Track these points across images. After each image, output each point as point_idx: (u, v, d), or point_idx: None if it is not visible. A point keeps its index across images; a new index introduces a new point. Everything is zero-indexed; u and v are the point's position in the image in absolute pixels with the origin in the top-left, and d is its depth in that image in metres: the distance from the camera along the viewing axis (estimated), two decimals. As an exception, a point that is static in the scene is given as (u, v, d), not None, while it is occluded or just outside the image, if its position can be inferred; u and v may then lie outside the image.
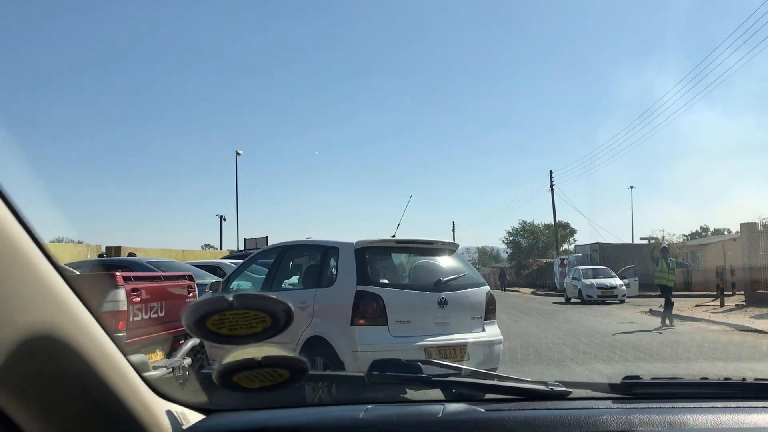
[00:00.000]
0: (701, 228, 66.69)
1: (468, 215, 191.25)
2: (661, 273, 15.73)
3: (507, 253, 70.17)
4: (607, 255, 37.10)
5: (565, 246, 60.93)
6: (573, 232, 65.00)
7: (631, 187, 56.55)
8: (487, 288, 6.72)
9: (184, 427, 1.38)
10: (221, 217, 42.79)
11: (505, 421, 1.41)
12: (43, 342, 0.93)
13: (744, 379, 1.62)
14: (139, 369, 1.24)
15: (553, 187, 45.54)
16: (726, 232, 61.60)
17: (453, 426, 1.44)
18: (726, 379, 1.67)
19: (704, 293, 29.67)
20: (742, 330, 13.19)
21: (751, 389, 1.58)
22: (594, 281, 26.80)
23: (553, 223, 61.61)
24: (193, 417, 1.46)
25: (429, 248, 6.78)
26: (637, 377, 1.63)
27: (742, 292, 21.97)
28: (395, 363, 1.61)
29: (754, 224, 18.76)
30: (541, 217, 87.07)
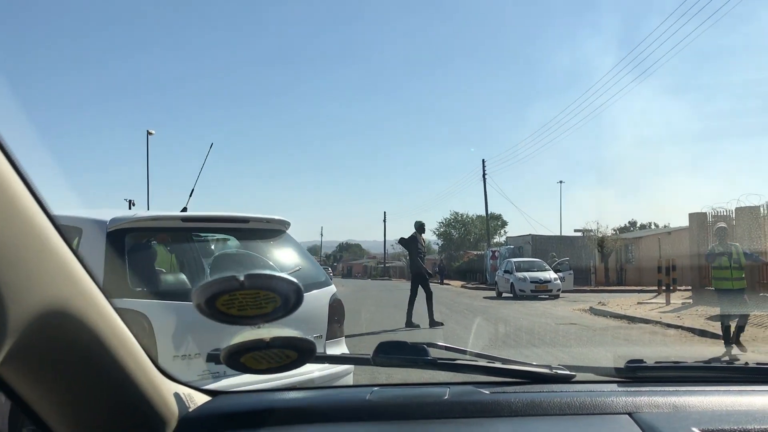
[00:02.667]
0: (629, 222, 66.57)
1: (400, 207, 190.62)
2: (723, 271, 9.51)
3: (438, 245, 68.29)
4: (540, 247, 35.40)
5: (497, 238, 59.48)
6: (505, 224, 63.82)
7: (561, 182, 56.65)
8: (333, 289, 4.50)
9: (191, 409, 1.39)
10: (130, 201, 40.17)
11: (510, 403, 1.42)
12: (56, 318, 0.92)
13: (746, 364, 1.64)
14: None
15: (486, 176, 43.67)
16: (653, 226, 61.72)
17: (459, 407, 1.42)
18: (729, 362, 1.84)
19: (639, 288, 28.31)
20: (703, 335, 11.14)
21: (754, 373, 1.59)
22: (527, 275, 24.79)
23: (485, 214, 60.89)
24: (200, 398, 1.47)
25: (240, 230, 4.32)
26: (641, 361, 1.62)
27: (687, 288, 20.33)
28: (401, 345, 1.58)
29: (703, 214, 16.90)
30: (474, 208, 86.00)
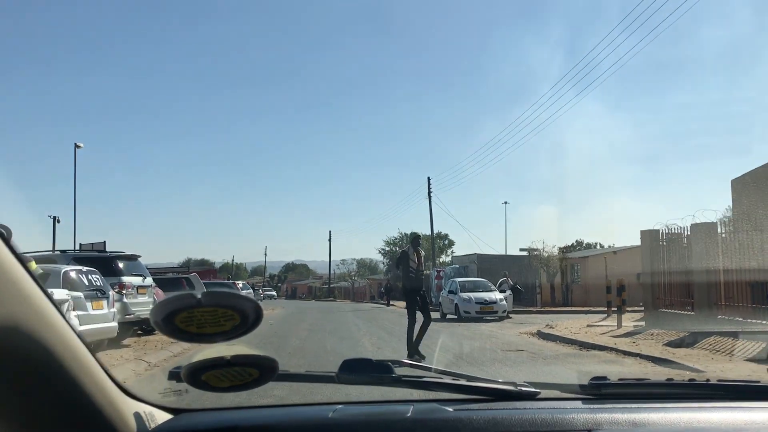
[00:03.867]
0: (576, 242, 66.59)
1: (345, 227, 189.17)
2: None
3: (384, 264, 66.86)
4: (485, 267, 34.43)
5: (444, 258, 58.50)
6: (451, 243, 63.06)
7: (505, 203, 56.77)
8: None
9: (151, 427, 1.37)
10: (55, 218, 37.62)
11: (473, 420, 1.42)
12: (8, 337, 0.91)
13: (708, 380, 1.67)
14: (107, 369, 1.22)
15: (431, 194, 42.64)
16: (598, 246, 61.83)
17: (421, 425, 1.44)
18: (691, 380, 1.71)
19: (586, 309, 27.49)
20: (663, 364, 9.96)
21: (714, 389, 1.63)
22: (472, 295, 23.56)
23: (430, 233, 59.97)
24: (161, 417, 1.45)
25: None
26: (605, 378, 1.64)
27: (637, 309, 19.41)
28: (366, 363, 1.60)
29: (656, 231, 15.96)
30: (420, 227, 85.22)
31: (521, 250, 37.21)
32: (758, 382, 1.64)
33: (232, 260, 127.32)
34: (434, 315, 27.24)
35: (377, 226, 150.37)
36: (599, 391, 1.60)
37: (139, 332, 14.59)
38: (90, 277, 10.80)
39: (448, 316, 24.45)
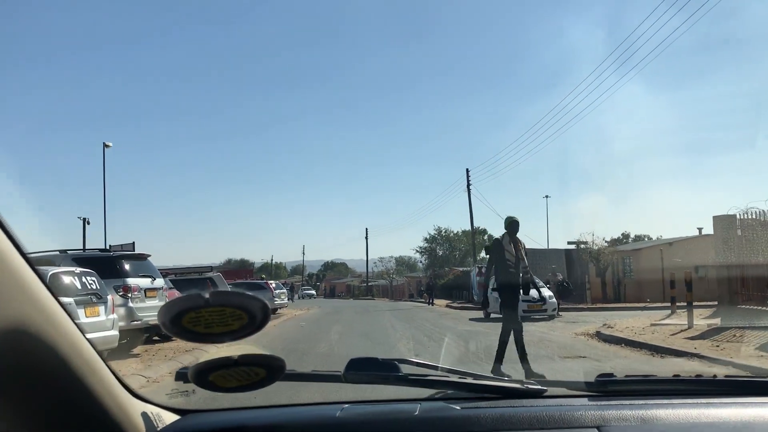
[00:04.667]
0: (622, 234, 63.88)
1: (383, 224, 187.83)
2: None
3: (422, 263, 65.11)
4: (530, 262, 32.49)
5: (484, 254, 56.48)
6: (491, 238, 60.83)
7: (546, 196, 54.57)
8: None
9: (160, 428, 1.38)
10: (84, 219, 37.27)
11: (480, 418, 1.41)
12: (15, 338, 0.91)
13: (715, 376, 1.66)
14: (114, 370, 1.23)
15: (470, 186, 40.76)
16: (646, 238, 59.11)
17: (429, 424, 1.43)
18: (698, 376, 1.69)
19: (641, 305, 25.45)
20: None
21: (722, 386, 1.62)
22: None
23: (470, 228, 57.92)
24: (169, 417, 1.46)
25: None
26: (611, 375, 1.63)
27: (702, 304, 17.40)
28: (372, 362, 1.59)
29: (731, 217, 13.96)
30: (457, 223, 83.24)
31: (569, 243, 35.08)
32: (766, 377, 1.67)
33: (271, 260, 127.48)
34: (477, 314, 25.71)
35: (415, 223, 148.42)
36: (606, 388, 1.60)
37: (156, 338, 13.29)
38: (84, 279, 9.44)
39: (493, 315, 22.64)
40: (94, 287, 9.56)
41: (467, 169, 41.17)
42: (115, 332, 9.87)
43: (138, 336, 11.95)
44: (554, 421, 1.38)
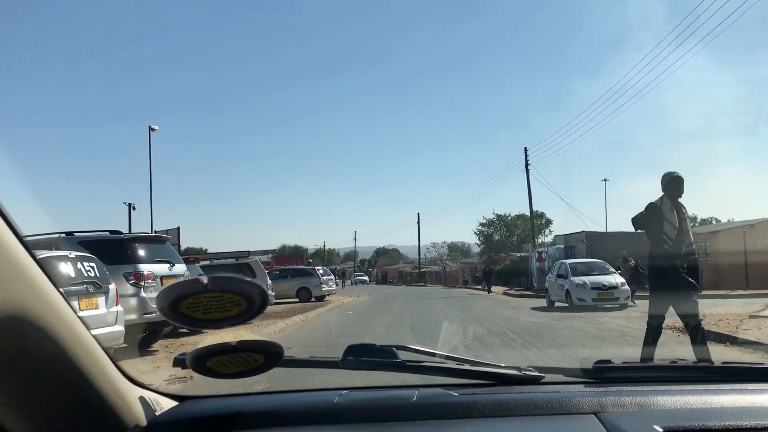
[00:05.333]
0: (690, 217, 60.16)
1: (436, 209, 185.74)
2: None
3: (479, 246, 62.74)
4: (595, 246, 30.05)
5: (541, 239, 53.89)
6: (549, 222, 58.03)
7: (605, 180, 52.10)
8: None
9: (158, 413, 1.38)
10: (130, 205, 36.76)
11: (477, 404, 1.42)
12: (13, 323, 0.92)
13: (712, 363, 1.72)
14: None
15: (528, 166, 38.39)
16: (713, 221, 55.55)
17: (427, 410, 1.43)
18: (695, 362, 1.78)
19: (723, 293, 22.93)
20: None
21: (719, 372, 1.64)
22: (587, 279, 19.65)
23: (526, 212, 55.30)
24: (167, 403, 1.47)
25: None
26: (609, 361, 1.63)
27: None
28: (370, 348, 1.57)
29: None
30: (512, 208, 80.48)
31: (638, 225, 32.49)
32: (762, 364, 1.68)
33: (324, 246, 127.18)
34: (538, 302, 23.76)
35: (468, 207, 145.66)
36: (603, 374, 1.61)
37: (183, 330, 11.89)
38: (80, 265, 7.97)
39: (557, 304, 20.66)
40: (92, 275, 8.08)
41: (525, 148, 38.79)
42: (118, 328, 8.38)
43: (159, 330, 10.49)
44: (552, 407, 1.38)
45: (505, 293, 33.09)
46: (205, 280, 1.02)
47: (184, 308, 1.04)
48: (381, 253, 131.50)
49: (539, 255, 33.44)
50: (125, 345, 9.36)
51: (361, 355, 1.55)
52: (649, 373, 1.68)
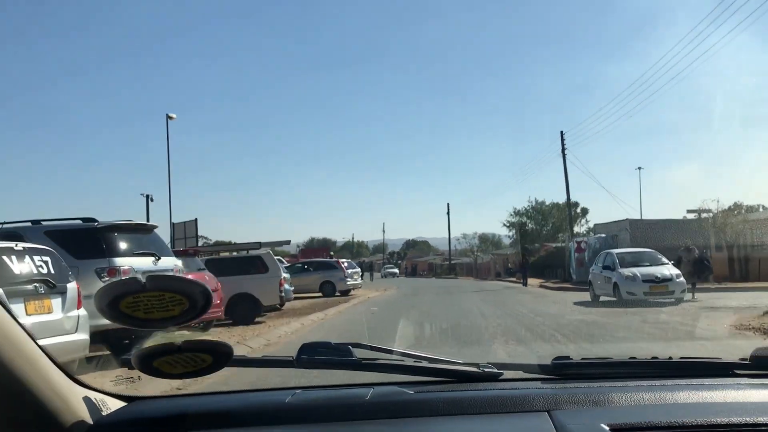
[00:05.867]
0: (735, 204, 57.26)
1: (464, 201, 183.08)
2: None
3: (510, 237, 60.42)
4: (640, 235, 27.96)
5: (577, 228, 51.53)
6: (585, 211, 55.58)
7: (639, 168, 50.38)
8: None
9: (105, 414, 1.36)
10: (148, 196, 35.64)
11: (431, 402, 1.41)
12: None
13: (670, 358, 1.68)
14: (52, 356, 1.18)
15: (565, 151, 36.20)
16: (761, 209, 52.64)
17: (380, 408, 1.41)
18: (653, 358, 1.70)
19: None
20: None
21: (676, 367, 1.63)
22: (638, 271, 17.65)
23: (559, 202, 53.06)
24: (114, 404, 1.44)
25: None
26: (567, 358, 1.64)
27: None
28: (324, 346, 1.56)
29: None
30: (550, 195, 77.99)
31: (689, 211, 30.23)
32: (720, 359, 1.69)
33: (352, 238, 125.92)
34: (579, 296, 21.90)
35: (498, 197, 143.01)
36: (561, 371, 1.60)
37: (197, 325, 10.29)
38: (30, 260, 6.40)
39: (603, 299, 18.74)
40: (45, 271, 6.50)
41: (562, 132, 36.51)
42: (80, 336, 6.79)
43: (141, 337, 8.90)
44: (506, 405, 1.38)
45: (541, 286, 31.14)
46: (143, 278, 1.01)
47: (124, 307, 1.03)
48: (410, 245, 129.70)
49: (578, 245, 31.41)
50: (107, 353, 7.97)
51: (316, 354, 1.52)
52: (606, 369, 1.66)
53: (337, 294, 26.54)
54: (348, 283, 27.13)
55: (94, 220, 8.86)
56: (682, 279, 17.61)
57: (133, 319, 1.04)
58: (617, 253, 19.36)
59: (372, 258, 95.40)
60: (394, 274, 69.53)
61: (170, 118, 31.91)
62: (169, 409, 1.46)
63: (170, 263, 9.46)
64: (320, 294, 26.34)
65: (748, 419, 1.23)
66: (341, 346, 1.54)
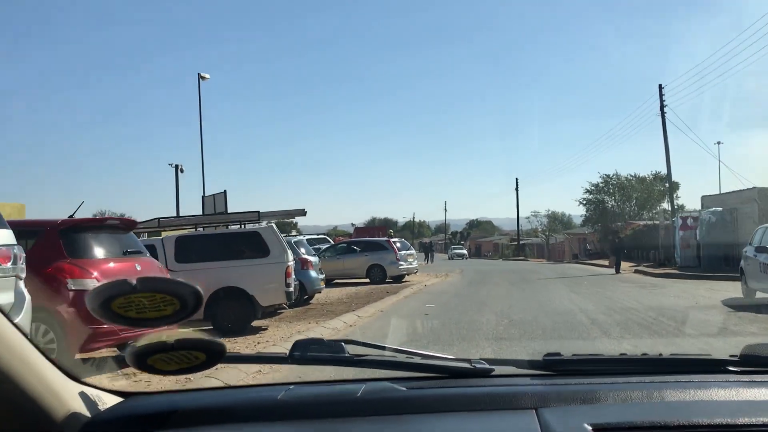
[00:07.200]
0: None
1: (531, 179, 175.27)
2: None
3: (582, 216, 53.96)
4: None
5: (665, 205, 44.84)
6: (677, 185, 48.70)
7: (718, 143, 44.89)
8: None
9: (101, 409, 1.36)
10: (178, 167, 32.04)
11: (423, 398, 1.42)
12: None
13: (660, 355, 1.67)
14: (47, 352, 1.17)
15: (664, 109, 29.93)
16: None
17: (372, 404, 1.42)
18: (643, 354, 1.71)
19: None
20: None
21: (667, 365, 1.63)
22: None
23: (643, 174, 46.73)
24: (110, 400, 1.43)
25: None
26: (558, 354, 1.62)
27: None
28: (318, 343, 1.59)
29: None
30: (629, 168, 70.91)
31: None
32: (710, 355, 1.72)
33: (413, 218, 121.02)
34: (699, 285, 16.28)
35: (569, 174, 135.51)
36: (551, 367, 1.59)
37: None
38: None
39: (759, 294, 13.07)
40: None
41: (660, 86, 30.24)
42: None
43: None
44: (495, 401, 1.38)
45: (637, 271, 25.37)
46: (134, 280, 1.04)
47: (116, 308, 1.05)
48: (474, 225, 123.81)
49: (684, 222, 25.48)
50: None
51: (308, 350, 1.55)
52: (597, 366, 1.68)
53: (388, 280, 21.75)
54: (401, 267, 22.17)
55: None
56: None
57: (127, 319, 1.06)
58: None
59: (433, 238, 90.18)
60: (462, 256, 64.13)
61: (203, 78, 29.36)
62: (165, 405, 1.46)
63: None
64: (367, 280, 21.58)
65: (729, 420, 1.22)
66: (334, 342, 1.57)
